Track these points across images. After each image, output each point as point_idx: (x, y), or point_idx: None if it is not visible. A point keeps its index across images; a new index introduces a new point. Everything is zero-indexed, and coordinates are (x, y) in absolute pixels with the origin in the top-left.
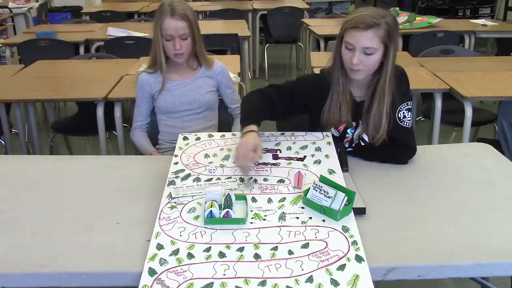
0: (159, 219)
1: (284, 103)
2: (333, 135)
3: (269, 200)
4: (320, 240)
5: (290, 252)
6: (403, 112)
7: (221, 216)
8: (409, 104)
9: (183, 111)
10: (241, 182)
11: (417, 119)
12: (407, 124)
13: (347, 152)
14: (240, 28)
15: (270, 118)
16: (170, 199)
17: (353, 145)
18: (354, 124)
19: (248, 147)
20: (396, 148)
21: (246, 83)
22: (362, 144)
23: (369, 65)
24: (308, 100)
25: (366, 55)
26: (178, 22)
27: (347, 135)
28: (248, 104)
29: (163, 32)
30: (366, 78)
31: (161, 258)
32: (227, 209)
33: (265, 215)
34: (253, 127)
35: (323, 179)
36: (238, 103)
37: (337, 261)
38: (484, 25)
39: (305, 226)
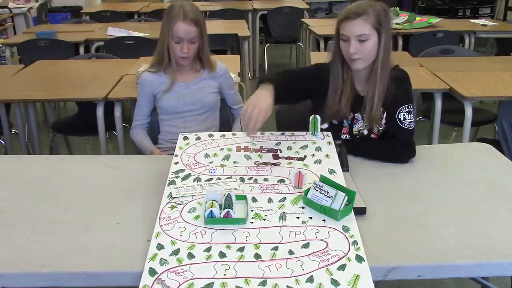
0: (159, 219)
1: (299, 84)
2: (331, 123)
3: (270, 200)
4: (321, 240)
5: (291, 252)
6: (403, 114)
7: (222, 216)
8: (409, 106)
9: (186, 112)
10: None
11: (417, 119)
12: (408, 126)
13: (347, 140)
14: (240, 28)
15: (286, 96)
16: (171, 199)
17: (352, 135)
18: (351, 115)
19: (255, 110)
20: (396, 146)
21: (246, 83)
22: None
23: (366, 52)
24: (313, 87)
25: (361, 43)
26: (189, 26)
27: (344, 125)
28: (269, 75)
29: (173, 34)
30: (366, 70)
31: (161, 258)
32: (227, 209)
33: (266, 215)
34: (270, 87)
35: (323, 179)
36: (240, 104)
37: (337, 261)
38: (484, 25)
39: (305, 226)
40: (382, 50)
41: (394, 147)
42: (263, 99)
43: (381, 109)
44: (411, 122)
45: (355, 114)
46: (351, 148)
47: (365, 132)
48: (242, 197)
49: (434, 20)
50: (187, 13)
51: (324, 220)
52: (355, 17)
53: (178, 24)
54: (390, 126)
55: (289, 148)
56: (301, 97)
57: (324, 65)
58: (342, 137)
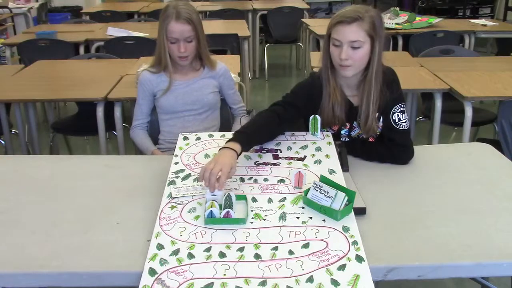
0: (159, 219)
1: (290, 114)
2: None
3: (270, 200)
4: (321, 240)
5: (291, 252)
6: (397, 115)
7: (222, 216)
8: (402, 106)
9: (186, 111)
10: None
11: (417, 119)
12: (403, 126)
13: (347, 142)
14: (240, 28)
15: (263, 140)
16: (171, 199)
17: (350, 138)
18: (348, 125)
19: (215, 172)
20: (395, 149)
21: (246, 83)
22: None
23: (358, 59)
24: (308, 104)
25: (353, 50)
26: (183, 26)
27: (341, 135)
28: (253, 121)
29: (168, 34)
30: (356, 77)
31: (161, 258)
32: (227, 209)
33: (266, 215)
34: (237, 146)
35: (323, 179)
36: (240, 103)
37: (337, 261)
38: (484, 25)
39: (305, 226)
40: (376, 59)
41: (392, 150)
42: (226, 161)
43: (376, 114)
44: (405, 122)
45: (353, 123)
46: (351, 150)
47: (364, 135)
48: (242, 197)
49: (434, 20)
50: (180, 13)
51: (324, 220)
52: (351, 21)
53: (171, 24)
54: (386, 129)
55: (289, 148)
56: (300, 118)
57: (315, 74)
58: (341, 139)
